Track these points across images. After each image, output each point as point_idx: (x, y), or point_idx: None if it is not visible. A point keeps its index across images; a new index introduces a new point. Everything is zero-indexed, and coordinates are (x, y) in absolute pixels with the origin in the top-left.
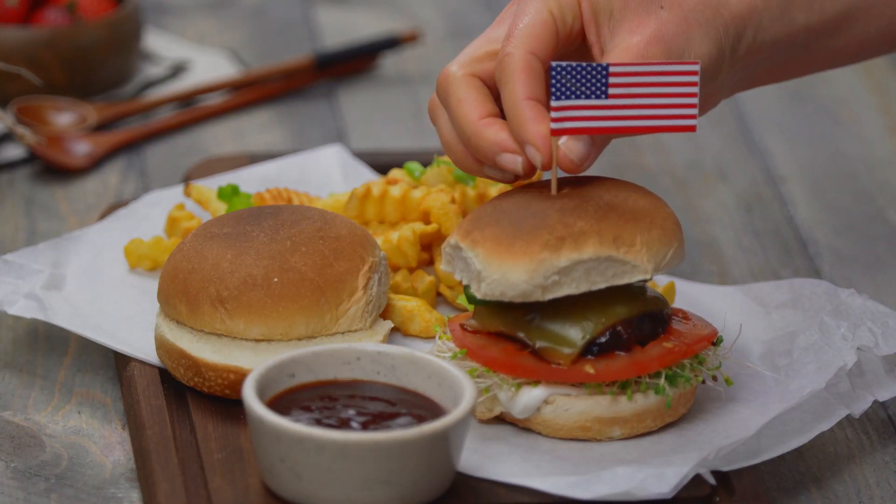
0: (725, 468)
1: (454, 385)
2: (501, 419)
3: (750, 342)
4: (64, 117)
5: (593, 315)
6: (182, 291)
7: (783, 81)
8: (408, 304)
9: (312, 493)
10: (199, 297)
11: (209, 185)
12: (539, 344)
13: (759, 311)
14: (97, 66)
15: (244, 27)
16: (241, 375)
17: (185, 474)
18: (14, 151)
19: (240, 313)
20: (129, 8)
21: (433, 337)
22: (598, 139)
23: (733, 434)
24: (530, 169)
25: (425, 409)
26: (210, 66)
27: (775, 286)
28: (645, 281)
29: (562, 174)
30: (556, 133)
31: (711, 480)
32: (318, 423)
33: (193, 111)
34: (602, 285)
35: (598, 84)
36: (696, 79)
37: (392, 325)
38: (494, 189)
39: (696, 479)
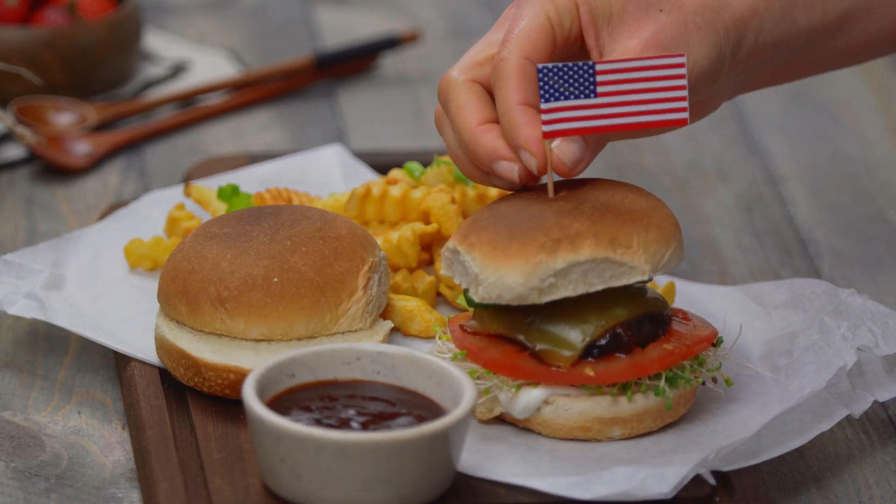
0: (725, 468)
1: (454, 385)
2: (501, 419)
3: (750, 342)
4: (64, 117)
5: (593, 317)
6: (182, 291)
7: (785, 83)
8: (408, 304)
9: (312, 493)
10: (199, 297)
11: (209, 185)
12: (539, 346)
13: (759, 311)
14: (97, 66)
15: (244, 27)
16: (241, 375)
17: (185, 474)
18: (14, 151)
19: (240, 313)
20: (129, 8)
21: (433, 337)
22: (593, 142)
23: (733, 434)
24: (527, 177)
25: (425, 409)
26: (210, 66)
27: (775, 286)
28: (643, 282)
29: (557, 177)
30: (549, 135)
31: (711, 480)
32: (318, 423)
33: (193, 111)
34: (599, 287)
35: (587, 83)
36: (683, 71)
37: (392, 325)
38: (494, 189)
39: (696, 479)
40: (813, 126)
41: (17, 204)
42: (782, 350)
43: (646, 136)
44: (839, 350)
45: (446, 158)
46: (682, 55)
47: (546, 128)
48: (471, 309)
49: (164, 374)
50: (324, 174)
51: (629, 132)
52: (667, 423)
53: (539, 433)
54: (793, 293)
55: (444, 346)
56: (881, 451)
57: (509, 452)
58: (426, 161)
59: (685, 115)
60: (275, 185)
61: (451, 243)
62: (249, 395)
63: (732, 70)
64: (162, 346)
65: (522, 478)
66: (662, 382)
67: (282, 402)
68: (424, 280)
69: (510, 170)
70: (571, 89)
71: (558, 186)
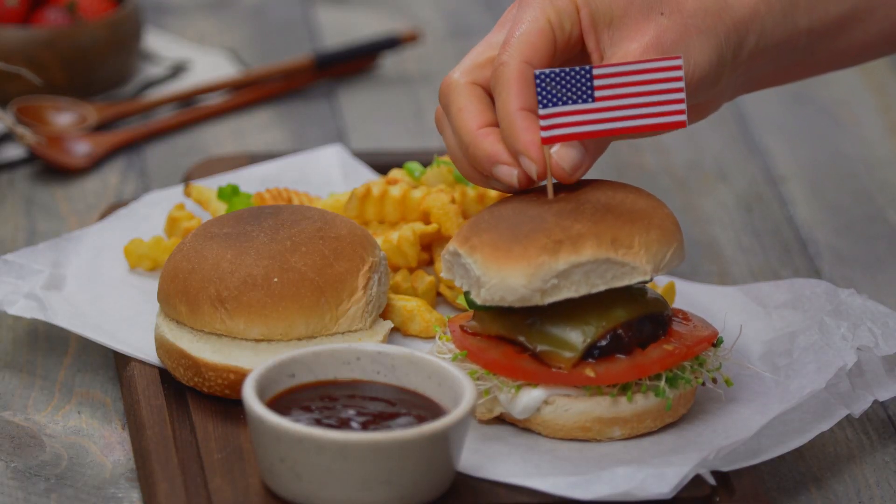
0: (725, 468)
1: (454, 385)
2: (501, 419)
3: (750, 342)
4: (64, 117)
5: (594, 318)
6: (182, 291)
7: (786, 84)
8: (408, 304)
9: (312, 493)
10: (199, 297)
11: (209, 185)
12: (540, 348)
13: (759, 311)
14: (97, 66)
15: (244, 27)
16: (241, 375)
17: (185, 474)
18: (14, 151)
19: (240, 313)
20: (129, 8)
21: (433, 337)
22: (592, 147)
23: (733, 434)
24: (526, 181)
25: (425, 409)
26: (210, 66)
27: (775, 286)
28: (644, 282)
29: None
30: (547, 141)
31: (711, 481)
32: (318, 423)
33: (193, 111)
34: (601, 288)
35: (584, 88)
36: (680, 73)
37: (392, 325)
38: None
39: (696, 480)
40: (813, 126)
41: (17, 204)
42: (782, 350)
43: (645, 137)
44: (839, 350)
45: (446, 158)
46: (678, 57)
47: (545, 133)
48: (471, 310)
49: (164, 374)
50: (324, 174)
51: (628, 135)
52: (667, 423)
53: (539, 433)
54: (793, 293)
55: (444, 346)
56: (881, 451)
57: (509, 452)
58: (426, 161)
59: (683, 117)
60: (275, 185)
61: (451, 246)
62: (249, 395)
63: (733, 72)
64: (162, 346)
65: (522, 478)
66: (663, 383)
67: (282, 402)
68: (424, 280)
69: (509, 174)
70: (569, 94)
71: (558, 187)
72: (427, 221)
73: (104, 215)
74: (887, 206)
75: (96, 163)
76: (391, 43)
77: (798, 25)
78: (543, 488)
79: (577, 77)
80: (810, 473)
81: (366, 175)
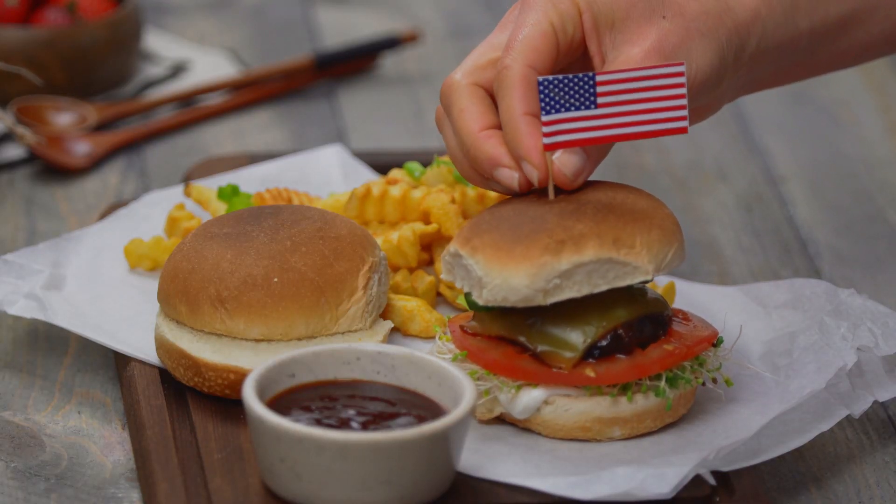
0: (725, 468)
1: (454, 385)
2: (501, 419)
3: (750, 342)
4: (64, 117)
5: (594, 318)
6: (182, 291)
7: (787, 84)
8: (408, 304)
9: (312, 493)
10: (199, 297)
11: (209, 185)
12: (540, 348)
13: (759, 311)
14: (97, 66)
15: (244, 27)
16: (241, 375)
17: (185, 474)
18: (14, 151)
19: (240, 313)
20: (129, 8)
21: (433, 337)
22: (594, 152)
23: (733, 434)
24: (526, 185)
25: (425, 409)
26: (210, 66)
27: (775, 286)
28: (646, 282)
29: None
30: (550, 148)
31: (711, 481)
32: (318, 423)
33: (193, 111)
34: (603, 287)
35: (587, 94)
36: (682, 80)
37: (392, 325)
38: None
39: (696, 480)
40: (813, 126)
41: (17, 204)
42: (782, 350)
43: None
44: (839, 350)
45: (446, 158)
46: (681, 64)
47: (547, 140)
48: (472, 311)
49: (164, 374)
50: (324, 174)
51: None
52: (667, 423)
53: (539, 433)
54: (793, 293)
55: (445, 346)
56: (881, 451)
57: (509, 452)
58: (426, 161)
59: (685, 123)
60: (275, 185)
61: (452, 247)
62: (249, 395)
63: (734, 74)
64: (162, 346)
65: (522, 478)
66: (663, 383)
67: (282, 402)
68: (424, 280)
69: (510, 177)
70: (572, 101)
71: (558, 189)
72: (427, 221)
73: (104, 215)
74: (887, 206)
75: (96, 163)
76: (391, 43)
77: (799, 27)
78: (543, 488)
79: (581, 84)
80: (810, 473)
81: (366, 175)
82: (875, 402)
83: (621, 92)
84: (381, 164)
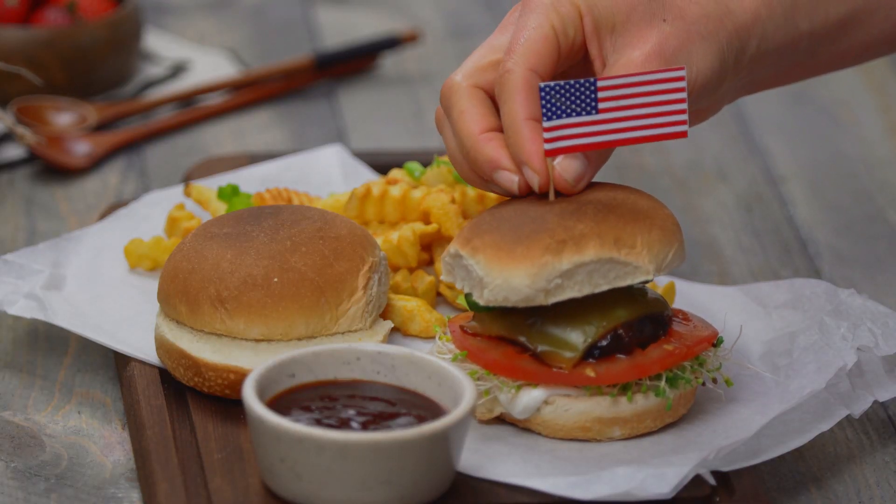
0: (725, 468)
1: (454, 385)
2: (501, 419)
3: (750, 342)
4: (64, 117)
5: (594, 318)
6: (182, 291)
7: (787, 85)
8: (408, 304)
9: (312, 493)
10: (199, 297)
11: (209, 185)
12: (541, 348)
13: (759, 311)
14: (97, 66)
15: (244, 27)
16: (241, 375)
17: (185, 474)
18: (14, 151)
19: (240, 313)
20: (129, 8)
21: (433, 337)
22: (594, 157)
23: (733, 434)
24: (526, 188)
25: (425, 409)
26: (210, 66)
27: (775, 286)
28: (646, 282)
29: None
30: (551, 153)
31: (711, 481)
32: (318, 423)
33: (193, 111)
34: (604, 287)
35: (588, 100)
36: (683, 84)
37: (392, 325)
38: None
39: (696, 480)
40: (813, 126)
41: (17, 204)
42: (782, 350)
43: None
44: (839, 350)
45: (446, 159)
46: (681, 69)
47: (548, 146)
48: (472, 311)
49: (164, 374)
50: (324, 174)
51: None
52: (667, 423)
53: (539, 433)
54: (793, 293)
55: (445, 346)
56: (881, 451)
57: (509, 452)
58: (426, 161)
59: (685, 127)
60: (275, 185)
61: (452, 248)
62: (249, 395)
63: (735, 76)
64: (162, 346)
65: (522, 478)
66: (663, 383)
67: (282, 402)
68: (424, 280)
69: (510, 180)
70: (573, 107)
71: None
72: (427, 221)
73: (104, 215)
74: (887, 206)
75: (96, 163)
76: (391, 43)
77: (799, 28)
78: (543, 488)
79: (582, 89)
80: (810, 473)
81: (366, 175)
82: (875, 402)
83: (622, 97)
84: (381, 164)
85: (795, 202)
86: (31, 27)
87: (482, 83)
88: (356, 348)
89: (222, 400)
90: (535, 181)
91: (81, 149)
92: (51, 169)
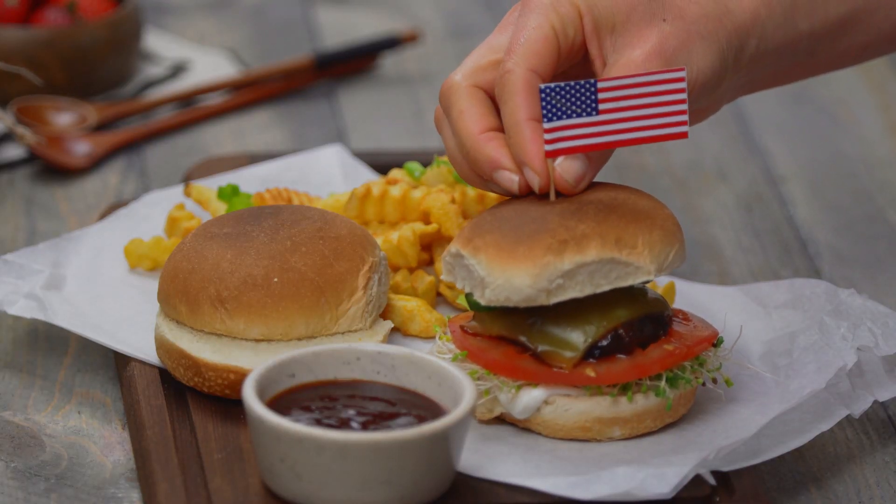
0: (725, 468)
1: (454, 385)
2: (501, 419)
3: (750, 342)
4: (64, 117)
5: (595, 318)
6: (182, 291)
7: (786, 84)
8: (408, 304)
9: (312, 493)
10: (199, 297)
11: (209, 185)
12: (541, 347)
13: (759, 311)
14: (97, 66)
15: (244, 27)
16: (241, 375)
17: (185, 474)
18: (14, 151)
19: (240, 313)
20: (129, 8)
21: (433, 337)
22: (595, 157)
23: (733, 434)
24: (526, 188)
25: (425, 409)
26: (210, 66)
27: (775, 286)
28: (647, 282)
29: None
30: (552, 154)
31: (711, 480)
32: (318, 423)
33: (193, 111)
34: (605, 287)
35: (589, 101)
36: (683, 85)
37: (392, 325)
38: None
39: (696, 480)
40: (812, 126)
41: (17, 204)
42: (782, 350)
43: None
44: (839, 350)
45: (446, 159)
46: (682, 70)
47: (549, 147)
48: (473, 311)
49: (164, 374)
50: (324, 174)
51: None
52: (667, 423)
53: (539, 433)
54: (793, 293)
55: (445, 346)
56: (881, 451)
57: (509, 452)
58: (426, 161)
59: (685, 128)
60: (275, 185)
61: (453, 248)
62: (249, 395)
63: (734, 75)
64: (162, 346)
65: (522, 478)
66: (663, 383)
67: (282, 402)
68: (424, 280)
69: (510, 180)
70: (574, 108)
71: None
72: (427, 221)
73: (104, 215)
74: (887, 206)
75: (96, 163)
76: (391, 43)
77: (798, 28)
78: (543, 488)
79: (582, 91)
80: (810, 473)
81: (366, 175)
82: (875, 402)
83: (622, 98)
84: (381, 164)
85: (795, 202)
86: (31, 27)
87: (482, 83)
88: (356, 348)
89: (222, 400)
90: (536, 182)
91: (81, 149)
92: (51, 169)
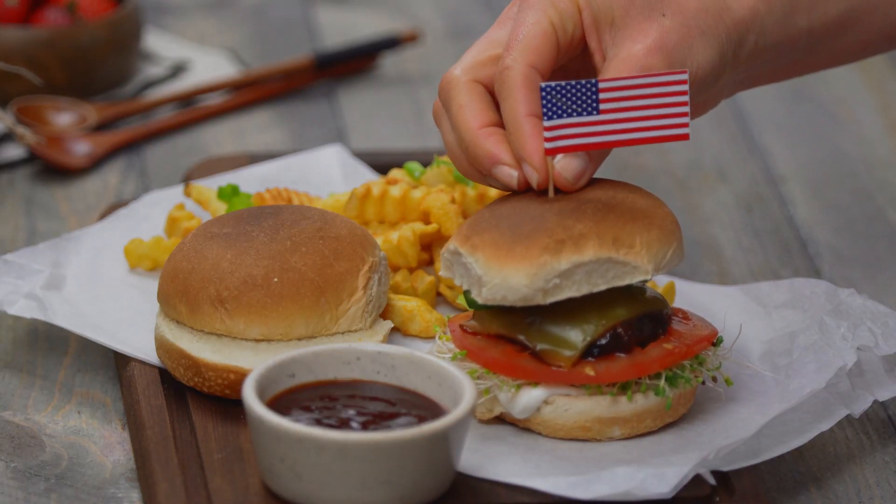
0: (725, 468)
1: (454, 385)
2: (501, 419)
3: (750, 342)
4: (64, 117)
5: (594, 317)
6: (182, 291)
7: (785, 80)
8: (408, 304)
9: (312, 493)
10: (199, 297)
11: (209, 185)
12: (540, 346)
13: (759, 311)
14: (97, 66)
15: (244, 27)
16: (241, 375)
17: (185, 474)
18: (14, 151)
19: (240, 313)
20: (129, 8)
21: (433, 337)
22: (594, 155)
23: (733, 434)
24: (525, 183)
25: (425, 409)
26: (210, 66)
27: (775, 286)
28: (645, 281)
29: None
30: (551, 152)
31: (711, 480)
32: (318, 423)
33: (193, 111)
34: (603, 287)
35: (589, 101)
36: (685, 87)
37: (392, 325)
38: (494, 189)
39: (696, 479)
40: (812, 125)
41: (17, 204)
42: (782, 350)
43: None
44: (839, 350)
45: (446, 158)
46: (684, 71)
47: (549, 144)
48: (471, 309)
49: (164, 374)
50: (324, 174)
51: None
52: (667, 422)
53: (539, 433)
54: (793, 293)
55: (444, 346)
56: (881, 451)
57: (509, 452)
58: (426, 161)
59: (686, 130)
60: (275, 185)
61: (451, 245)
62: (249, 395)
63: (734, 70)
64: (162, 346)
65: (522, 478)
66: (662, 382)
67: (282, 402)
68: (424, 280)
69: (509, 175)
70: (574, 107)
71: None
72: (427, 221)
73: (104, 215)
74: (887, 206)
75: (96, 163)
76: (391, 43)
77: (797, 25)
78: (543, 488)
79: (583, 90)
80: (810, 473)
81: (366, 175)
82: (875, 401)
83: (624, 98)
84: (381, 164)
85: (795, 202)
86: (31, 27)
87: (481, 77)
88: (356, 348)
89: (222, 400)
90: (535, 178)
91: (81, 149)
92: (51, 169)
